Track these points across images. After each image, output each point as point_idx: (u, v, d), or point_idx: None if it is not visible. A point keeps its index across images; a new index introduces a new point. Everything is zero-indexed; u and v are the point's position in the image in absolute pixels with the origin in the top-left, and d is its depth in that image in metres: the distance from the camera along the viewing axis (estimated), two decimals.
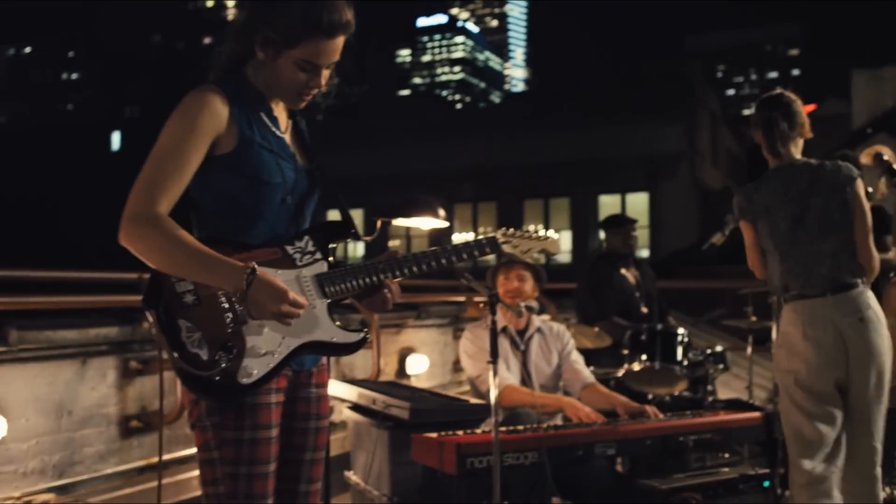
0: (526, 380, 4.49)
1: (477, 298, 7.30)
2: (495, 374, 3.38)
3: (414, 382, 6.83)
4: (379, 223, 3.81)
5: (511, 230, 2.63)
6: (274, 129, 2.36)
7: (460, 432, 3.67)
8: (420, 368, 6.74)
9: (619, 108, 27.98)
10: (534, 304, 4.44)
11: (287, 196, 2.33)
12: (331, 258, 2.32)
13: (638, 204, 29.02)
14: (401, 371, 6.73)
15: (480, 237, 2.52)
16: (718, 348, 5.71)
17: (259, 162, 2.27)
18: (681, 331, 5.36)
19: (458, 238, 2.55)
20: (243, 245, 2.24)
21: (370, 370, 6.10)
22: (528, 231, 2.65)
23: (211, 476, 2.22)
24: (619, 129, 27.64)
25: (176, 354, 2.11)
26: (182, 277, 2.16)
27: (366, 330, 2.30)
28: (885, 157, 3.94)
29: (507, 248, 2.56)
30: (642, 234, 29.30)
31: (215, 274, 2.12)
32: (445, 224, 3.86)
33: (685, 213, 27.91)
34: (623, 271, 6.22)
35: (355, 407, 4.40)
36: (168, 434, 4.55)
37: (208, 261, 2.12)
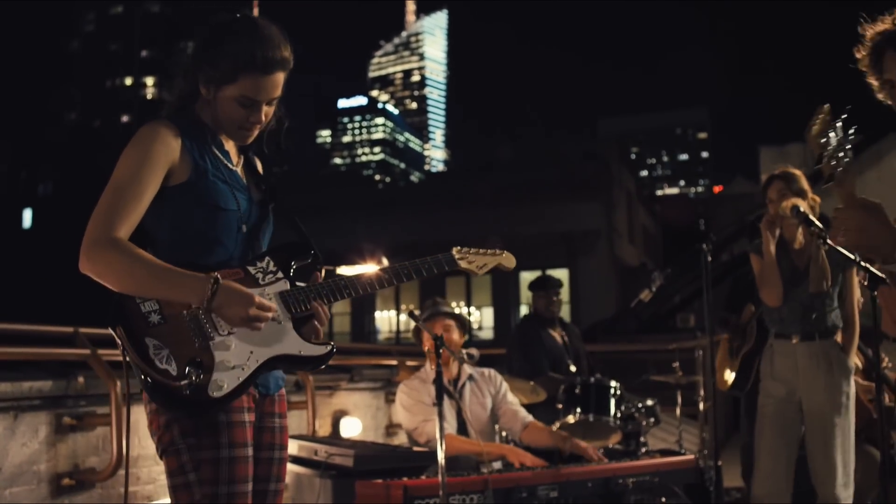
0: (462, 427, 4.53)
1: (409, 363, 7.35)
2: (441, 416, 3.43)
3: None
4: (322, 272, 3.86)
5: (466, 248, 2.70)
6: (226, 161, 2.42)
7: (405, 479, 3.69)
8: (353, 431, 6.69)
9: (539, 186, 28.61)
10: (474, 352, 4.52)
11: (242, 225, 2.38)
12: (293, 278, 2.37)
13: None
14: (334, 433, 6.67)
15: (438, 255, 2.58)
16: (649, 402, 5.83)
17: (215, 190, 2.32)
18: (613, 384, 5.48)
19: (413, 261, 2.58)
20: (204, 267, 2.25)
21: (305, 430, 6.04)
22: (482, 249, 2.72)
23: (187, 500, 2.20)
24: (538, 207, 28.20)
25: (147, 373, 2.11)
26: (146, 297, 2.18)
27: (332, 343, 2.35)
28: (802, 209, 4.17)
29: (463, 264, 2.62)
30: (563, 309, 29.82)
31: (179, 288, 2.15)
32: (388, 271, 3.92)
33: (604, 288, 28.44)
34: (550, 331, 6.36)
35: (295, 459, 4.37)
36: (100, 493, 4.42)
37: (171, 276, 2.15)
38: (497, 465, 4.39)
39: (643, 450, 5.40)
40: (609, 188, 28.97)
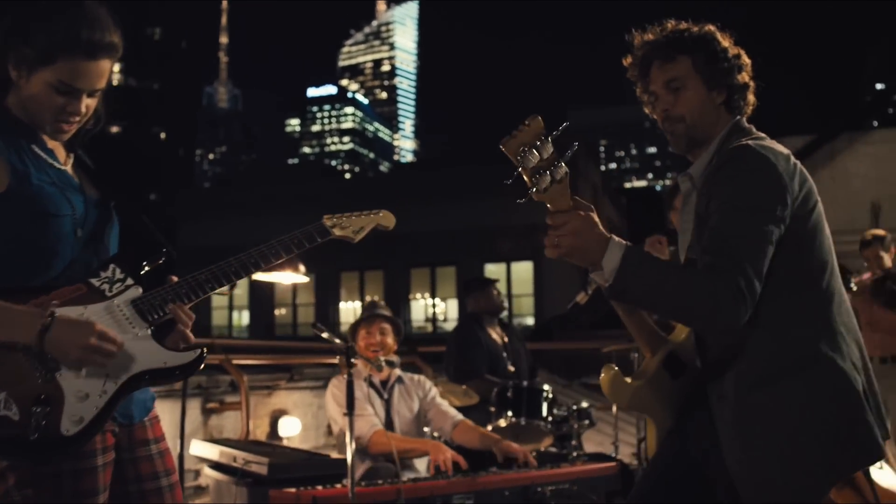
0: (389, 426, 4.53)
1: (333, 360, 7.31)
2: (351, 428, 3.41)
3: (286, 444, 6.74)
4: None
5: (337, 214, 2.48)
6: (52, 161, 2.16)
7: (319, 487, 3.66)
8: (292, 431, 6.64)
9: (504, 179, 28.58)
10: (394, 358, 4.50)
11: (78, 229, 2.13)
12: (146, 282, 2.16)
13: (523, 272, 29.57)
14: (273, 433, 6.61)
15: (308, 226, 2.38)
16: (584, 405, 5.83)
17: (41, 195, 2.06)
18: (546, 387, 5.48)
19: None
20: (39, 288, 2.03)
21: (239, 431, 5.99)
22: (357, 211, 2.52)
23: None
24: (503, 200, 28.12)
25: None
26: None
27: (204, 348, 2.17)
28: None
29: (337, 232, 2.42)
30: (527, 301, 29.85)
31: (5, 327, 1.91)
32: (305, 279, 3.88)
33: (568, 281, 28.48)
34: (490, 331, 6.34)
35: (216, 465, 4.33)
36: None
37: None
38: (422, 466, 4.36)
39: (574, 453, 5.39)
40: (574, 182, 28.81)
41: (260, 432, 6.56)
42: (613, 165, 64.68)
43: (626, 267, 2.08)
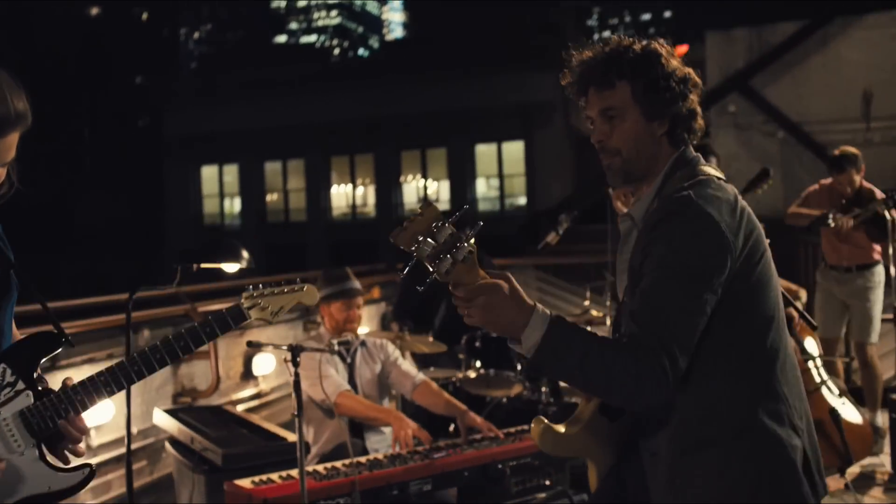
0: (351, 386, 4.47)
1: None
2: (300, 428, 3.33)
3: (261, 383, 6.73)
4: (178, 270, 3.67)
5: (258, 288, 2.31)
6: None
7: (275, 476, 3.61)
8: (267, 369, 6.62)
9: (494, 57, 28.01)
10: (350, 337, 4.44)
11: None
12: (37, 385, 2.01)
13: (514, 152, 29.29)
14: (247, 373, 6.60)
15: (223, 309, 2.23)
16: None
17: None
18: None
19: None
20: None
21: (210, 379, 5.96)
22: (277, 285, 2.35)
23: None
24: (493, 79, 27.66)
25: None
26: None
27: (91, 466, 2.05)
28: None
29: (255, 314, 2.27)
30: (519, 181, 29.64)
31: None
32: (250, 266, 3.72)
33: (560, 161, 28.26)
34: None
35: (175, 443, 4.29)
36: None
37: None
38: (389, 429, 4.29)
39: (547, 399, 5.34)
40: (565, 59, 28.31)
41: (234, 373, 6.54)
42: (607, 33, 63.06)
43: (546, 346, 1.94)
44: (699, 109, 2.25)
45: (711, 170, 2.19)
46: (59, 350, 2.10)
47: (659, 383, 1.92)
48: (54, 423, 1.99)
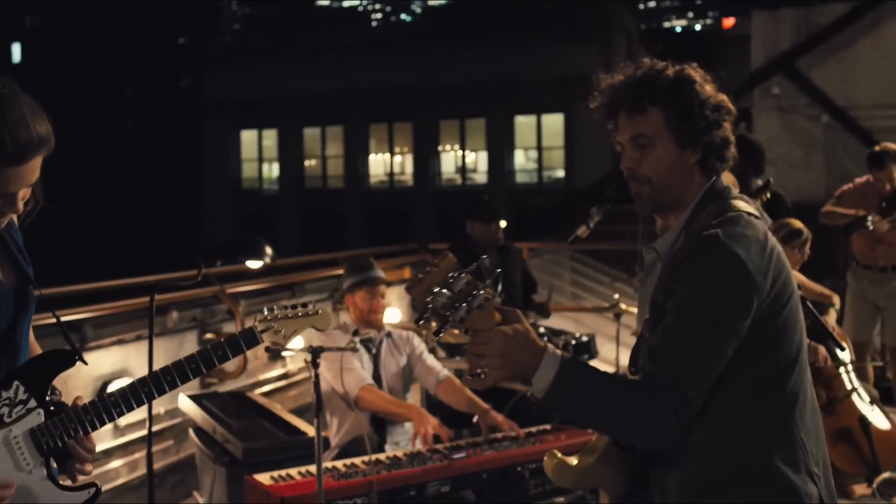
0: (377, 381, 4.48)
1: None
2: (318, 426, 3.34)
3: (289, 363, 6.76)
4: (202, 267, 3.68)
5: (273, 311, 2.31)
6: None
7: (294, 471, 3.62)
8: (294, 347, 6.64)
9: (536, 27, 27.70)
10: (372, 334, 4.44)
11: None
12: (48, 405, 2.03)
13: (553, 124, 29.06)
14: (274, 353, 6.63)
15: (235, 333, 2.26)
16: (584, 338, 5.73)
17: None
18: (542, 322, 5.37)
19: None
20: None
21: (238, 361, 6.00)
22: (293, 308, 2.35)
23: None
24: (535, 50, 27.40)
25: None
26: None
27: (97, 482, 2.07)
28: None
29: (268, 338, 2.27)
30: (557, 154, 29.44)
31: None
32: (272, 262, 3.72)
33: (600, 134, 27.60)
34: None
35: (198, 430, 4.33)
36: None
37: None
38: (410, 425, 4.29)
39: None
40: (607, 29, 27.98)
41: (261, 353, 6.56)
42: (652, 4, 62.00)
43: (559, 387, 1.92)
44: (732, 138, 2.19)
45: (743, 204, 2.12)
46: (72, 366, 2.09)
47: (669, 425, 1.90)
48: (63, 442, 2.01)
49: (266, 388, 6.24)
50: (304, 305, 2.39)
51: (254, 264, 3.63)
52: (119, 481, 5.10)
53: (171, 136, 35.99)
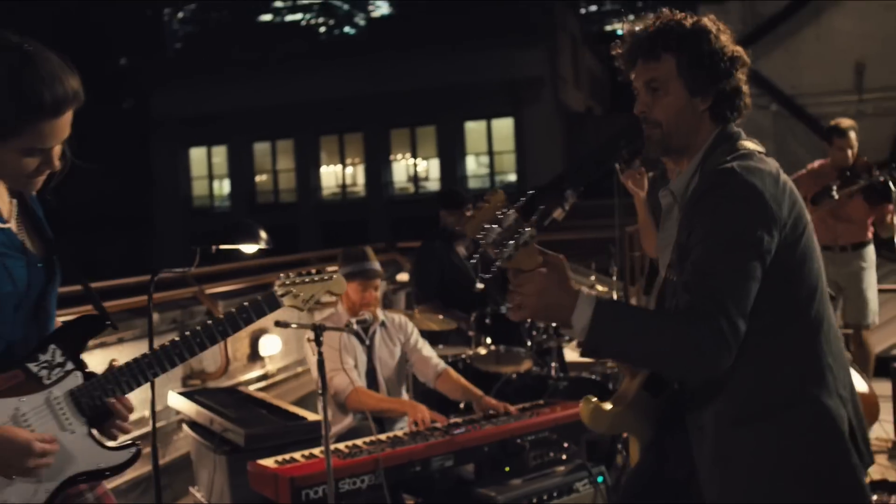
0: (372, 373, 4.48)
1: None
2: (325, 405, 3.35)
3: (268, 364, 6.74)
4: (198, 252, 3.68)
5: (290, 276, 2.43)
6: None
7: (297, 455, 3.63)
8: (273, 349, 6.63)
9: (482, 33, 27.87)
10: (368, 316, 4.44)
11: (22, 301, 2.00)
12: (84, 367, 2.07)
13: (503, 129, 29.25)
14: (254, 354, 6.61)
15: (257, 296, 2.31)
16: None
17: None
18: None
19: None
20: None
21: (219, 362, 5.97)
22: (308, 274, 2.47)
23: None
24: (481, 55, 27.56)
25: None
26: None
27: (139, 443, 2.10)
28: None
29: (288, 301, 2.38)
30: (509, 159, 29.61)
31: None
32: (268, 247, 3.73)
33: (550, 137, 28.25)
34: (458, 248, 6.18)
35: (193, 424, 4.31)
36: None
37: None
38: (402, 426, 4.30)
39: (557, 374, 5.36)
40: (553, 32, 28.28)
41: (241, 354, 6.55)
42: (594, 8, 62.80)
43: (597, 324, 1.96)
44: (746, 89, 2.26)
45: (752, 144, 2.20)
46: (103, 332, 2.15)
47: (720, 347, 1.93)
48: (102, 401, 2.04)
49: (247, 389, 6.20)
50: (319, 271, 2.49)
51: (249, 248, 3.64)
52: (118, 481, 5.04)
53: (119, 157, 35.50)
